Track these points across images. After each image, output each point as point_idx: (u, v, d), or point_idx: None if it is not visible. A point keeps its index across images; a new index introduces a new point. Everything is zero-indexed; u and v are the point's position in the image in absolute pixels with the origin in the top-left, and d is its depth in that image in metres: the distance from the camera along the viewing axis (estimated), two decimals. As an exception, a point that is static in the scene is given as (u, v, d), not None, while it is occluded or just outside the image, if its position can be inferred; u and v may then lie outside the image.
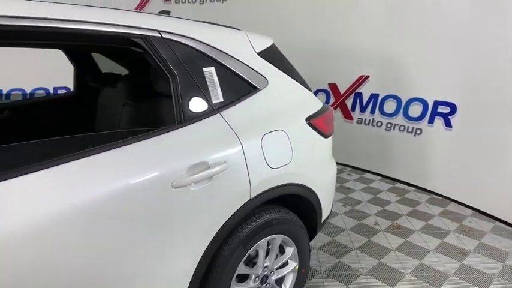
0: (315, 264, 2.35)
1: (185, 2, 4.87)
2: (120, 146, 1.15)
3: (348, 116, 4.14)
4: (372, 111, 3.92)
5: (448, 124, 3.32)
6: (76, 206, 1.01)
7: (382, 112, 3.85)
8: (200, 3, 4.83)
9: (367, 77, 3.89)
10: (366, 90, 3.94)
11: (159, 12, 1.79)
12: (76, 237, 1.01)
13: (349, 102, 4.10)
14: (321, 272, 2.27)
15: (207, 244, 1.33)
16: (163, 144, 1.25)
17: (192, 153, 1.29)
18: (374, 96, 3.88)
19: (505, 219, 2.94)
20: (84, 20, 1.14)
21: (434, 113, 3.41)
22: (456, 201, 3.31)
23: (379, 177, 3.94)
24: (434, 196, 3.46)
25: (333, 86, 4.18)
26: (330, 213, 2.09)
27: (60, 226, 0.98)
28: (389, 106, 3.77)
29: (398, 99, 3.69)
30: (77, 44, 1.60)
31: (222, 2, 4.73)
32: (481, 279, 2.23)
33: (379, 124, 3.89)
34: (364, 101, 3.97)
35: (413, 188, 3.65)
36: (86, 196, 1.03)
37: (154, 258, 1.19)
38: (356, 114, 4.07)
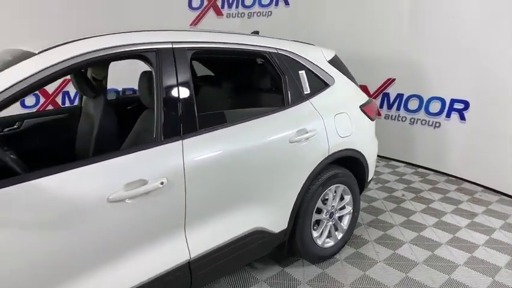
0: (358, 220, 3.10)
1: (235, 16, 5.73)
2: (258, 118, 1.97)
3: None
4: (398, 108, 4.66)
5: (463, 118, 4.04)
6: (247, 147, 1.83)
7: (406, 109, 4.59)
8: (248, 18, 5.67)
9: (394, 79, 4.64)
10: (392, 91, 4.69)
11: (252, 33, 2.60)
12: (245, 164, 1.84)
13: (377, 101, 4.85)
14: (363, 224, 3.04)
15: (304, 181, 2.13)
16: (281, 117, 2.06)
17: (296, 123, 2.09)
18: (399, 96, 4.63)
19: (509, 193, 3.64)
20: (244, 43, 1.97)
21: (451, 109, 4.13)
22: (469, 181, 4.02)
23: (404, 164, 4.67)
24: (451, 178, 4.18)
25: (364, 87, 4.92)
26: (372, 178, 2.86)
27: (243, 157, 1.82)
28: (413, 104, 4.51)
29: (420, 98, 4.43)
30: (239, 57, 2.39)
31: (267, 17, 5.56)
32: (486, 230, 2.95)
33: (403, 119, 4.63)
34: (391, 100, 4.71)
35: (432, 172, 4.37)
36: (243, 143, 1.85)
37: (279, 182, 2.01)
38: (384, 111, 4.82)
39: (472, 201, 3.54)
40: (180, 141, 1.62)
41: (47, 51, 1.37)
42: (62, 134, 2.65)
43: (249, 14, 5.65)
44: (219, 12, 5.75)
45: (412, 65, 4.40)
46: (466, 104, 3.99)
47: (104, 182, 1.39)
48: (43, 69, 1.30)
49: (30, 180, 1.23)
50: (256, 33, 2.68)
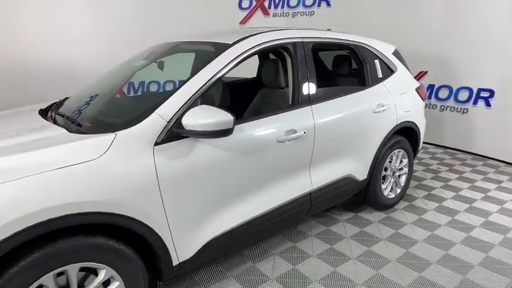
0: (405, 183, 3.81)
1: (280, 16, 6.43)
2: (352, 93, 2.69)
3: (409, 101, 5.56)
4: (429, 97, 5.34)
5: (488, 104, 4.71)
6: (348, 114, 2.56)
7: (437, 98, 5.27)
8: (292, 17, 6.36)
9: (426, 72, 5.32)
10: (424, 82, 5.35)
11: (327, 29, 3.29)
12: (346, 125, 2.57)
13: (410, 91, 5.52)
14: (411, 187, 3.75)
15: (380, 142, 2.85)
16: (366, 94, 2.78)
17: (376, 98, 2.81)
18: (431, 86, 5.31)
19: (528, 168, 4.33)
20: (339, 38, 2.71)
21: (478, 97, 4.81)
22: (493, 158, 4.70)
23: (433, 146, 5.36)
24: (477, 156, 4.86)
25: (398, 79, 5.61)
26: (421, 148, 3.57)
27: (343, 121, 2.53)
28: (443, 93, 5.19)
29: (450, 88, 5.11)
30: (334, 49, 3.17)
31: (310, 16, 6.25)
32: (511, 191, 3.66)
33: (434, 107, 5.32)
34: (423, 90, 5.39)
35: (460, 152, 5.05)
36: (346, 111, 2.57)
37: (365, 141, 2.74)
38: (416, 99, 5.49)
39: (497, 172, 4.23)
40: (310, 106, 2.35)
41: (239, 42, 2.09)
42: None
43: (293, 14, 6.34)
44: (266, 12, 6.45)
45: (443, 59, 5.08)
46: (492, 93, 4.67)
47: (274, 128, 2.12)
48: (243, 52, 2.04)
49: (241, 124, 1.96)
50: (328, 30, 3.37)
